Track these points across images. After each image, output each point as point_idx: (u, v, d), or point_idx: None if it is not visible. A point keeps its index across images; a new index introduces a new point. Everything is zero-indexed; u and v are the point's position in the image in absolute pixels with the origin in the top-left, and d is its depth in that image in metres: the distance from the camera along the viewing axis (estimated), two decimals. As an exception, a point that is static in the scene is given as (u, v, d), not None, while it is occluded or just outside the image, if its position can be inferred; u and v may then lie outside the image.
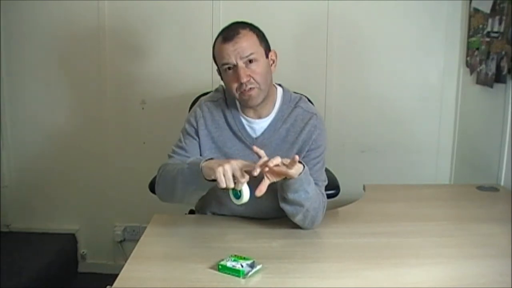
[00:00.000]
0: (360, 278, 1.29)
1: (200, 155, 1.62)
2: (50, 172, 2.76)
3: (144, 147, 2.71)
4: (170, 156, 1.65)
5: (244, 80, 1.49)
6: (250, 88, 1.51)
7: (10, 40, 2.65)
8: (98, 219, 2.78)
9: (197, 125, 1.63)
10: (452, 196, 2.10)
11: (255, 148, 1.40)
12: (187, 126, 1.65)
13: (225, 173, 1.33)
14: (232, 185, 1.34)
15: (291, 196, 1.45)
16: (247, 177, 1.34)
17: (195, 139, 1.62)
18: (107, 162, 2.72)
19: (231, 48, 1.49)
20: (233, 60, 1.50)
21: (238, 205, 1.39)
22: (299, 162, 1.43)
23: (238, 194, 1.36)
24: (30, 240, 2.68)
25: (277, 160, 1.33)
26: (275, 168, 1.35)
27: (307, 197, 1.45)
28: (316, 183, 1.55)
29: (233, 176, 1.34)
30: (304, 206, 1.47)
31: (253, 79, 1.51)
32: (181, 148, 1.63)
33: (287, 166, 1.36)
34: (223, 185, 1.33)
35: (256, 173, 1.33)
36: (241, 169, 1.34)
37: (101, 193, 2.75)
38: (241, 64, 1.50)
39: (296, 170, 1.39)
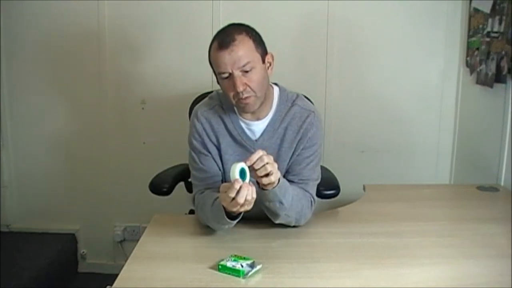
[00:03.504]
0: (360, 278, 1.29)
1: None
2: (50, 172, 2.77)
3: (144, 147, 2.71)
4: (194, 185, 1.64)
5: (240, 89, 1.47)
6: (247, 97, 1.50)
7: (10, 40, 2.65)
8: (98, 219, 2.78)
9: (202, 139, 1.62)
10: (452, 196, 2.10)
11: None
12: (195, 143, 1.62)
13: (241, 200, 1.33)
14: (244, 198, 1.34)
15: (266, 204, 1.47)
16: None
17: (208, 155, 1.62)
18: (107, 162, 2.72)
19: (227, 56, 1.46)
20: (228, 69, 1.47)
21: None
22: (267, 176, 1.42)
23: (243, 175, 1.35)
24: (30, 240, 2.68)
25: (262, 173, 1.35)
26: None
27: (281, 207, 1.47)
28: (306, 183, 1.57)
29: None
30: (279, 214, 1.49)
31: (249, 87, 1.49)
32: (200, 170, 1.62)
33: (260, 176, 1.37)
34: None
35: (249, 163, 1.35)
36: (228, 190, 1.34)
37: (101, 193, 2.75)
38: (237, 73, 1.47)
39: (268, 182, 1.40)
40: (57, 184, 2.77)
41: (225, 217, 1.42)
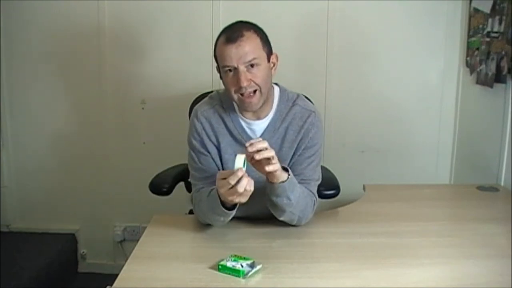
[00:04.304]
0: (359, 278, 1.29)
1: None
2: (50, 172, 2.77)
3: (144, 147, 2.71)
4: (193, 185, 1.64)
5: (244, 84, 1.48)
6: (250, 94, 1.50)
7: (10, 40, 2.65)
8: (98, 219, 2.78)
9: (201, 138, 1.62)
10: (452, 196, 2.10)
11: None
12: (194, 143, 1.62)
13: (241, 189, 1.33)
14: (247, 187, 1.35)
15: (274, 199, 1.46)
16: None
17: (207, 155, 1.62)
18: (107, 162, 2.72)
19: (233, 50, 1.47)
20: (234, 63, 1.48)
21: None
22: (285, 169, 1.44)
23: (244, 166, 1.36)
24: (30, 240, 2.68)
25: (261, 156, 1.35)
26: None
27: (289, 203, 1.46)
28: (308, 183, 1.57)
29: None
30: (286, 211, 1.49)
31: (254, 82, 1.50)
32: (199, 169, 1.62)
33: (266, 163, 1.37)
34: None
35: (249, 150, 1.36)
36: (230, 176, 1.34)
37: (101, 193, 2.75)
38: (242, 68, 1.48)
39: (277, 177, 1.41)
40: (57, 184, 2.77)
41: (220, 205, 1.42)
